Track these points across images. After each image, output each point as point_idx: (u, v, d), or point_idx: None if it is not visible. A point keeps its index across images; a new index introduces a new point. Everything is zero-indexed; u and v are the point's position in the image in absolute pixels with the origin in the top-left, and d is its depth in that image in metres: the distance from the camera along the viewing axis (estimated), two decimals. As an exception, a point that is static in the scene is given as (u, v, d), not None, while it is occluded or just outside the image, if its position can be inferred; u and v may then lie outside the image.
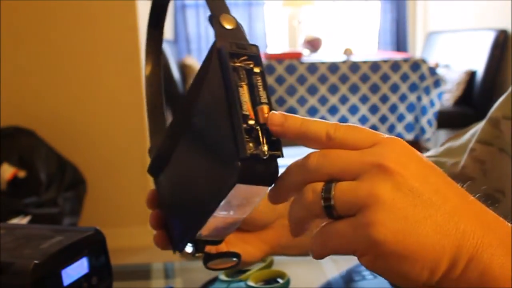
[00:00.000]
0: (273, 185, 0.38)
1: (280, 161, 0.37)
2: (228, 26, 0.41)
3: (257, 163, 0.36)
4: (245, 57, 0.38)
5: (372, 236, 0.31)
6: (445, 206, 0.32)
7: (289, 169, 0.36)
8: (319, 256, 0.34)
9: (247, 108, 0.37)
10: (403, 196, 0.31)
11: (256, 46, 0.39)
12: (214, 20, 0.42)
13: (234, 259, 0.48)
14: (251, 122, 0.36)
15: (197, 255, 0.47)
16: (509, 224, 0.34)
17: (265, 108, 0.37)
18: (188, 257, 0.50)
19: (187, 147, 0.46)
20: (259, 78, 0.38)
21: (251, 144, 0.36)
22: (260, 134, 0.36)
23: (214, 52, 0.39)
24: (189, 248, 0.47)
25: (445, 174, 0.34)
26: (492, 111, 0.59)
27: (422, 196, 0.31)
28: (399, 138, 0.34)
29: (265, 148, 0.36)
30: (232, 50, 0.38)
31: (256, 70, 0.38)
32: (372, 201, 0.31)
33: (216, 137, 0.39)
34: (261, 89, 0.38)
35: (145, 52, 0.52)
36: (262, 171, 0.37)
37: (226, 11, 0.43)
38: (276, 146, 0.37)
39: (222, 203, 0.39)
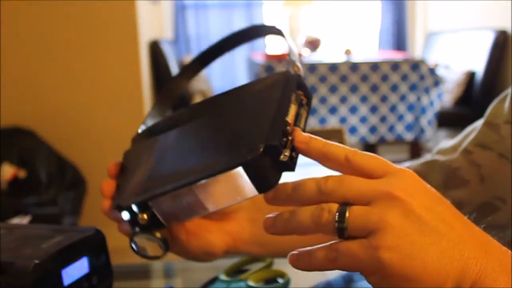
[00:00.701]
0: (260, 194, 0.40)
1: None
2: (298, 72, 0.46)
3: (271, 161, 0.39)
4: (302, 93, 0.44)
5: (381, 258, 0.33)
6: (450, 234, 0.34)
7: (306, 183, 0.38)
8: (327, 269, 0.36)
9: (290, 119, 0.41)
10: (411, 223, 0.33)
11: (310, 92, 0.45)
12: (289, 62, 0.47)
13: (162, 244, 0.48)
14: (289, 128, 0.40)
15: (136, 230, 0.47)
16: (510, 252, 0.36)
17: (300, 130, 0.41)
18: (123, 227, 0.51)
19: (197, 127, 0.47)
20: (304, 112, 0.43)
21: (280, 141, 0.39)
22: (289, 142, 0.40)
23: (283, 74, 0.45)
24: (125, 215, 0.48)
25: (451, 205, 0.37)
26: (490, 115, 0.58)
27: (429, 224, 0.34)
28: (410, 170, 0.37)
29: (286, 152, 0.39)
30: (299, 82, 0.44)
31: (306, 107, 0.44)
32: (382, 226, 0.34)
33: (249, 125, 0.42)
34: (303, 119, 0.43)
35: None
36: (268, 173, 0.39)
37: (298, 60, 0.48)
38: (293, 162, 0.40)
39: (210, 179, 0.40)
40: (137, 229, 0.48)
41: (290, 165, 0.39)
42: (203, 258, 0.55)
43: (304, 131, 0.41)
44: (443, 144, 0.63)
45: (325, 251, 0.36)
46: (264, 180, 0.39)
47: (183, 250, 0.54)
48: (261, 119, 0.41)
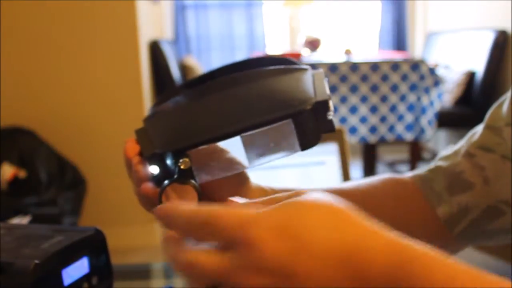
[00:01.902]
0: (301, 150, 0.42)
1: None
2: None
3: (319, 117, 0.42)
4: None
5: None
6: None
7: (166, 249, 0.37)
8: None
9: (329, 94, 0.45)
10: None
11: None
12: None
13: (198, 189, 0.44)
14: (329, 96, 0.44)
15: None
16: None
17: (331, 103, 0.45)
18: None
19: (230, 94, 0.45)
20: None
21: (328, 102, 0.43)
22: (331, 105, 0.43)
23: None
24: (154, 168, 0.45)
25: (308, 254, 0.32)
26: (489, 119, 0.58)
27: None
28: (255, 232, 0.33)
29: (331, 113, 0.43)
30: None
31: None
32: None
33: (290, 88, 0.43)
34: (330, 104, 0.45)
35: None
36: (314, 130, 0.41)
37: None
38: (333, 124, 0.44)
39: (260, 130, 0.40)
40: (166, 182, 0.44)
41: (331, 126, 0.42)
42: None
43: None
44: (444, 151, 0.63)
45: None
46: (309, 136, 0.40)
47: None
48: (302, 83, 0.43)
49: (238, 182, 0.50)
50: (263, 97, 0.40)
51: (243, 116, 0.40)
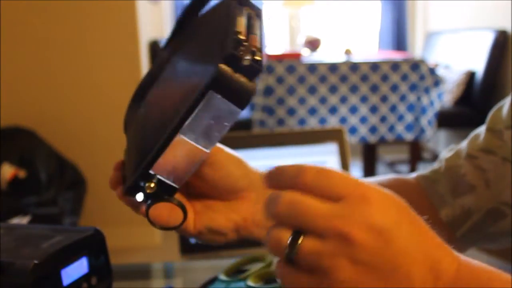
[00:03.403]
0: (242, 110, 0.40)
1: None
2: None
3: (236, 68, 0.39)
4: (248, 8, 0.44)
5: None
6: (397, 276, 0.34)
7: (266, 201, 0.37)
8: None
9: (240, 28, 0.40)
10: (360, 271, 0.34)
11: (260, 10, 0.45)
12: None
13: (180, 206, 0.47)
14: (242, 37, 0.40)
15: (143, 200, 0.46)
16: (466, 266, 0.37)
17: (257, 37, 0.41)
18: (137, 208, 0.49)
19: (164, 80, 0.49)
20: (257, 22, 0.43)
21: (236, 48, 0.39)
22: (246, 48, 0.39)
23: (221, 2, 0.45)
24: (139, 196, 0.46)
25: (417, 224, 0.36)
26: (490, 122, 0.59)
27: (380, 271, 0.34)
28: (373, 192, 0.35)
29: (248, 56, 0.39)
30: (239, 1, 0.44)
31: (256, 19, 0.43)
32: (331, 271, 0.34)
33: (208, 48, 0.42)
34: (256, 28, 0.42)
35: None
36: (239, 84, 0.39)
37: None
38: (258, 63, 0.39)
39: (190, 118, 0.40)
40: (150, 201, 0.46)
41: (256, 67, 0.39)
42: (212, 238, 0.53)
43: (260, 38, 0.41)
44: (447, 152, 0.63)
45: (277, 267, 0.36)
46: (239, 92, 0.39)
47: (191, 230, 0.52)
48: (213, 43, 0.41)
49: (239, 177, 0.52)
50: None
51: (168, 121, 0.42)
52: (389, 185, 0.62)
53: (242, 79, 0.39)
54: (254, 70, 0.39)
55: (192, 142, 0.42)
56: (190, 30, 0.49)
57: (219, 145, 0.52)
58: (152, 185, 0.44)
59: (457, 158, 0.61)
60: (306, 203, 0.35)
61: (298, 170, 0.36)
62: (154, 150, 0.42)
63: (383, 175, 0.64)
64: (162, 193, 0.45)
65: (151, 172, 0.44)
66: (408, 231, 0.35)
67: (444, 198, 0.60)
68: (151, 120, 0.48)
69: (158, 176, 0.44)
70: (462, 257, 0.36)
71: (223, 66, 0.38)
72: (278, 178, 0.37)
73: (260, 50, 0.40)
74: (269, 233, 0.36)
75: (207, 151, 0.43)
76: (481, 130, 0.60)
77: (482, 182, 0.57)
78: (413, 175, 0.64)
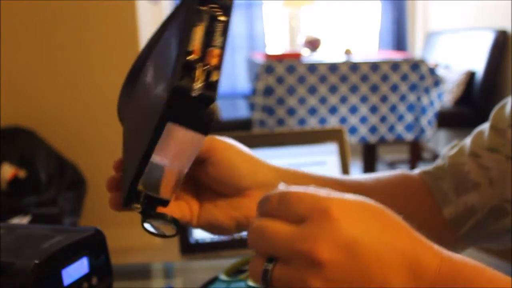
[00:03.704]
0: (206, 135, 0.40)
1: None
2: None
3: (186, 100, 0.37)
4: (215, 5, 0.39)
5: None
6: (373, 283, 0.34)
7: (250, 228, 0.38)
8: None
9: (194, 45, 0.37)
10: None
11: (228, 3, 0.39)
12: None
13: (173, 225, 0.47)
14: (193, 57, 0.37)
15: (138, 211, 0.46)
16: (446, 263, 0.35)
17: (216, 50, 0.38)
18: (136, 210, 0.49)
19: (141, 89, 0.47)
20: (220, 26, 0.38)
21: (185, 80, 0.37)
22: (198, 72, 0.37)
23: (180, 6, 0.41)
24: (137, 207, 0.47)
25: (390, 227, 0.35)
26: (493, 121, 0.59)
27: (355, 283, 0.33)
28: (332, 206, 0.35)
29: (197, 85, 0.37)
30: None
31: (221, 18, 0.39)
32: None
33: (165, 72, 0.40)
34: (218, 35, 0.38)
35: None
36: (192, 112, 0.38)
37: None
38: (212, 88, 0.37)
39: (157, 146, 0.40)
40: (142, 217, 0.47)
41: (209, 95, 0.37)
42: (214, 232, 0.54)
43: (223, 44, 0.39)
44: (451, 150, 0.63)
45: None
46: (193, 120, 0.39)
47: (194, 225, 0.53)
48: (168, 60, 0.39)
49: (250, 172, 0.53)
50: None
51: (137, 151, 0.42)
52: (394, 181, 0.62)
53: (194, 106, 0.38)
54: (206, 98, 0.37)
55: (167, 164, 0.42)
56: (161, 28, 0.47)
57: (231, 141, 0.53)
58: (138, 206, 0.45)
59: (461, 156, 0.61)
60: (269, 228, 0.36)
61: (265, 198, 0.37)
62: (133, 172, 0.43)
63: (388, 171, 0.65)
64: (154, 206, 0.46)
65: (139, 189, 0.44)
66: (378, 236, 0.34)
67: (448, 196, 0.60)
68: (134, 127, 0.48)
69: (147, 193, 0.45)
70: (445, 251, 0.36)
71: (173, 98, 0.37)
72: (258, 208, 0.38)
73: (218, 66, 0.38)
74: (251, 261, 0.37)
75: (183, 169, 0.43)
76: (485, 127, 0.60)
77: (486, 180, 0.57)
78: (416, 171, 0.64)
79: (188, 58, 0.37)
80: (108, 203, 0.51)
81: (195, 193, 0.53)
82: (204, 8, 0.38)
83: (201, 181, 0.53)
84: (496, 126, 0.58)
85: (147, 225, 0.47)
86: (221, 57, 0.38)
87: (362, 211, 0.35)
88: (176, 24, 0.41)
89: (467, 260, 0.35)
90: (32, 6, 2.51)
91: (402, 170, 0.64)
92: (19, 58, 2.55)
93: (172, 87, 0.37)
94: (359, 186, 0.59)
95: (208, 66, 0.38)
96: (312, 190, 0.36)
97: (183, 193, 0.53)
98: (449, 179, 0.60)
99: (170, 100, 0.37)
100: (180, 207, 0.52)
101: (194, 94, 0.37)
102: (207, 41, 0.38)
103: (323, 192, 0.36)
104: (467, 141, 0.62)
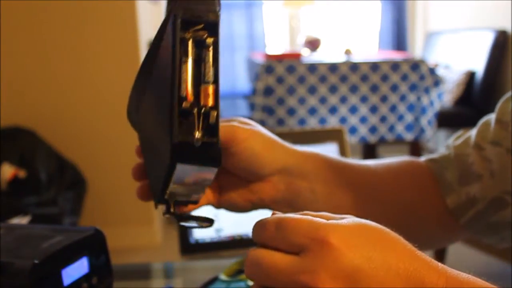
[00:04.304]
0: (218, 167, 0.39)
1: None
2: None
3: (191, 148, 0.36)
4: (200, 26, 0.36)
5: None
6: None
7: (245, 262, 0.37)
8: None
9: (185, 88, 0.36)
10: None
11: (215, 13, 0.36)
12: None
13: (207, 223, 0.47)
14: (187, 104, 0.36)
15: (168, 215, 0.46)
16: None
17: (210, 88, 0.36)
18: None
19: (149, 105, 0.45)
20: (209, 51, 0.36)
21: (184, 129, 0.36)
22: (195, 119, 0.36)
23: (169, 20, 0.37)
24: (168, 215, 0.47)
25: (382, 265, 0.34)
26: (498, 113, 0.59)
27: None
28: (331, 234, 0.34)
29: (199, 135, 0.36)
30: (186, 17, 0.36)
31: (209, 40, 0.36)
32: None
33: (163, 113, 0.39)
34: (209, 65, 0.36)
35: None
36: (199, 155, 0.37)
37: None
38: (212, 132, 0.37)
39: (172, 179, 0.39)
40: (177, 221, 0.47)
41: (211, 140, 0.37)
42: (232, 211, 0.57)
43: (215, 74, 0.36)
44: (456, 140, 0.63)
45: None
46: (203, 159, 0.38)
47: (216, 206, 0.56)
48: (166, 109, 0.37)
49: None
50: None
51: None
52: (403, 168, 0.63)
53: (200, 151, 0.37)
54: (209, 144, 0.37)
55: (185, 186, 0.42)
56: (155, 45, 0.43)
57: (253, 127, 0.53)
58: (168, 216, 0.45)
59: (466, 147, 0.61)
60: (267, 259, 0.34)
61: (261, 225, 0.36)
62: (160, 186, 0.42)
63: (397, 157, 0.65)
64: (185, 205, 0.46)
65: (166, 197, 0.44)
66: (381, 261, 0.33)
67: (451, 186, 0.60)
68: (149, 141, 0.47)
69: (176, 199, 0.44)
70: (449, 270, 0.34)
71: (176, 151, 0.36)
72: (254, 235, 0.37)
73: (214, 106, 0.36)
74: None
75: (206, 185, 0.43)
76: (491, 118, 0.60)
77: (487, 172, 0.58)
78: (423, 158, 0.64)
79: (183, 106, 0.36)
80: (136, 193, 0.52)
81: (217, 178, 0.54)
82: (189, 34, 0.36)
83: (223, 167, 0.53)
84: (501, 119, 0.58)
85: (182, 223, 0.47)
86: (216, 93, 0.36)
87: (362, 236, 0.34)
88: (167, 50, 0.38)
89: (472, 279, 0.34)
90: (32, 6, 2.51)
91: (410, 157, 0.65)
92: (19, 58, 2.55)
93: (173, 144, 0.36)
94: (370, 173, 0.60)
95: (204, 109, 0.36)
96: (309, 217, 0.35)
97: None
98: (454, 169, 0.61)
99: (174, 153, 0.37)
100: (205, 193, 0.52)
101: (196, 144, 0.36)
102: (198, 79, 0.36)
103: (321, 219, 0.35)
104: (473, 132, 0.62)
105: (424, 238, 0.63)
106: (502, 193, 0.57)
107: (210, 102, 0.36)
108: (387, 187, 0.61)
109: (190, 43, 0.36)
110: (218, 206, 0.56)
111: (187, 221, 0.47)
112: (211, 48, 0.36)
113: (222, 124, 0.50)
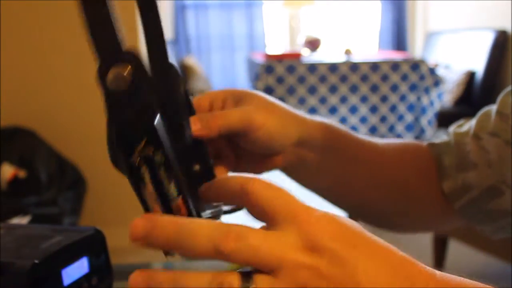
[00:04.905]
0: None
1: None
2: (116, 87, 0.30)
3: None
4: (143, 142, 0.32)
5: None
6: None
7: (200, 227, 0.31)
8: None
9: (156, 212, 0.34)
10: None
11: (151, 111, 0.31)
12: (100, 76, 0.31)
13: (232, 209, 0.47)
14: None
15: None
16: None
17: (179, 201, 0.34)
18: None
19: None
20: (162, 168, 0.32)
21: None
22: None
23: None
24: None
25: (365, 240, 0.32)
26: (500, 106, 0.60)
27: None
28: (316, 213, 0.32)
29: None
30: (126, 134, 0.31)
31: (158, 157, 0.32)
32: None
33: None
34: (167, 183, 0.33)
35: None
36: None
37: (121, 58, 0.30)
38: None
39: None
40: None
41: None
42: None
43: (180, 190, 0.34)
44: (457, 128, 0.64)
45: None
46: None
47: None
48: None
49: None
50: None
51: None
52: (406, 149, 0.64)
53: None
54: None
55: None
56: None
57: (268, 107, 0.54)
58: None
59: (466, 136, 0.62)
60: (254, 237, 0.31)
61: (241, 185, 0.33)
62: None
63: (403, 139, 0.67)
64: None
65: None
66: (375, 275, 0.31)
67: (449, 171, 0.62)
68: None
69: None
70: (438, 274, 0.33)
71: None
72: (218, 192, 0.34)
73: (188, 213, 0.34)
74: (212, 281, 0.30)
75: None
76: (492, 109, 0.61)
77: (484, 162, 0.59)
78: (425, 143, 0.66)
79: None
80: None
81: (234, 153, 0.55)
82: (136, 158, 0.31)
83: (240, 145, 0.54)
84: (502, 111, 0.59)
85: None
86: (186, 202, 0.34)
87: (346, 229, 0.32)
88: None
89: (464, 281, 0.33)
90: (32, 6, 2.51)
91: (415, 140, 0.66)
92: (19, 58, 2.55)
93: None
94: (375, 150, 0.61)
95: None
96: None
97: (224, 154, 0.54)
98: (452, 156, 0.62)
99: None
100: (221, 171, 0.52)
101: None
102: (165, 198, 0.33)
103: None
104: (473, 122, 0.63)
105: (419, 221, 0.66)
106: (499, 182, 0.58)
107: (183, 213, 0.35)
108: (388, 165, 0.62)
109: (143, 165, 0.32)
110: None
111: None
112: (162, 164, 0.32)
113: (237, 109, 0.51)
